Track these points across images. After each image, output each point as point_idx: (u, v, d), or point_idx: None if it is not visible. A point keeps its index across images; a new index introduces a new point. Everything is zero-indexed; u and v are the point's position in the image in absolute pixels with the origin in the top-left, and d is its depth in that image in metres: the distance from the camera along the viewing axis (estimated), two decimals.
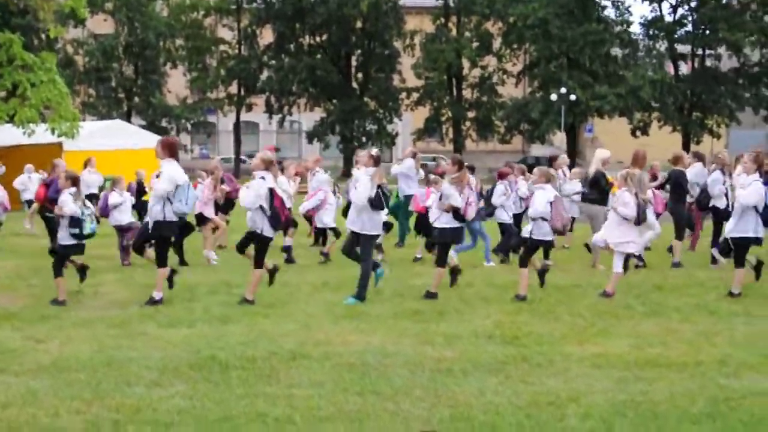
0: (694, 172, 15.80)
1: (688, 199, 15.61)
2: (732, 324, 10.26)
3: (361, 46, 56.80)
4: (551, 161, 16.84)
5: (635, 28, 57.60)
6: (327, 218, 16.11)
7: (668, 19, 55.78)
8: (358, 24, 55.23)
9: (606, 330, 9.90)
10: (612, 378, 7.82)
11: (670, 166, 15.66)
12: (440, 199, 12.21)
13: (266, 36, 57.10)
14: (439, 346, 9.05)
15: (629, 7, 56.53)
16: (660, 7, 56.07)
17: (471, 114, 57.50)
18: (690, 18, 55.59)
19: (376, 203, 11.60)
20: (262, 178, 11.32)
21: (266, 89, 56.86)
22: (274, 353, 8.59)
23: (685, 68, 58.22)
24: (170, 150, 11.39)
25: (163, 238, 11.49)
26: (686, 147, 55.09)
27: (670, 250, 15.46)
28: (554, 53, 52.79)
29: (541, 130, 53.88)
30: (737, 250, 12.15)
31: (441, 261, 12.20)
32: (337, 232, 16.02)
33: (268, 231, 11.36)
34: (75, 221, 11.52)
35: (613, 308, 11.20)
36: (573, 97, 50.12)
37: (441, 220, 12.12)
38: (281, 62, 56.20)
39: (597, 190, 14.61)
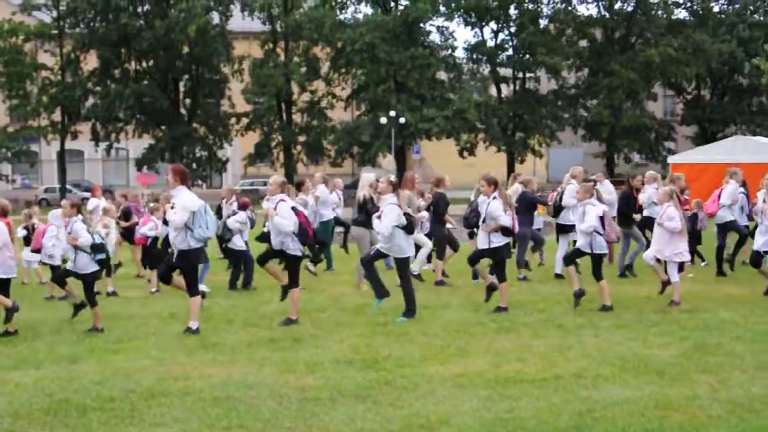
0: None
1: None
2: (581, 337, 10.62)
3: (188, 71, 55.99)
4: (299, 185, 16.95)
5: (459, 53, 59.23)
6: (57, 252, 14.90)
7: (490, 44, 57.62)
8: (186, 49, 54.42)
9: (463, 349, 10.05)
10: (477, 397, 7.92)
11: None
12: (483, 221, 12.44)
13: (90, 62, 55.43)
14: (302, 374, 8.95)
15: (453, 32, 57.79)
16: (482, 32, 57.88)
17: (301, 138, 57.51)
18: (511, 43, 57.62)
19: (408, 228, 12.01)
20: (283, 200, 11.65)
21: (91, 116, 55.26)
22: (132, 391, 8.28)
23: (507, 91, 60.19)
24: (181, 177, 11.22)
25: (190, 267, 11.35)
26: (511, 166, 57.06)
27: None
28: (382, 77, 53.59)
29: (372, 152, 54.47)
30: None
31: (502, 276, 12.61)
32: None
33: (296, 249, 11.69)
34: (98, 247, 11.72)
35: (466, 327, 11.39)
36: (402, 120, 50.94)
37: (492, 241, 12.40)
38: (107, 88, 54.74)
39: (364, 213, 14.83)
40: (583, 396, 7.87)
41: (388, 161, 59.74)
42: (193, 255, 11.26)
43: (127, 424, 7.32)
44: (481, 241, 12.60)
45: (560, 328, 11.20)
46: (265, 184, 58.14)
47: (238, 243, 15.31)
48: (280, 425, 7.21)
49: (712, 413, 7.34)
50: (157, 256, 15.38)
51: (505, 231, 12.45)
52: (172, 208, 11.19)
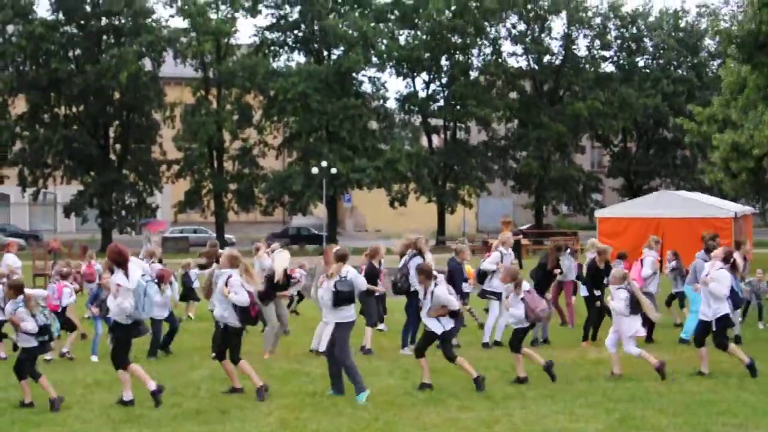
0: None
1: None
2: (509, 409, 10.66)
3: (119, 117, 55.44)
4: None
5: (391, 103, 59.63)
6: None
7: (422, 94, 58.13)
8: (117, 95, 53.90)
9: (391, 422, 10.02)
10: None
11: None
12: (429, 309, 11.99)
13: (19, 106, 54.51)
14: None
15: (384, 83, 58.13)
16: (414, 83, 58.39)
17: (232, 186, 57.17)
18: (442, 94, 58.20)
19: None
20: (231, 276, 11.54)
21: (19, 161, 54.26)
22: None
23: (438, 141, 60.76)
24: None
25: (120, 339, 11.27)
26: (441, 216, 57.53)
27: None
28: (314, 126, 53.66)
29: (303, 201, 54.37)
30: None
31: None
32: None
33: (236, 322, 11.53)
34: (43, 329, 11.08)
35: (393, 398, 11.33)
36: (334, 170, 50.98)
37: (444, 325, 11.90)
38: (36, 133, 53.82)
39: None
40: None
41: (320, 210, 59.72)
42: (126, 328, 11.03)
43: None
44: (434, 325, 11.95)
45: (488, 400, 11.22)
46: (195, 231, 57.84)
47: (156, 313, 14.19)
48: None
49: None
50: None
51: (453, 314, 11.93)
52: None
